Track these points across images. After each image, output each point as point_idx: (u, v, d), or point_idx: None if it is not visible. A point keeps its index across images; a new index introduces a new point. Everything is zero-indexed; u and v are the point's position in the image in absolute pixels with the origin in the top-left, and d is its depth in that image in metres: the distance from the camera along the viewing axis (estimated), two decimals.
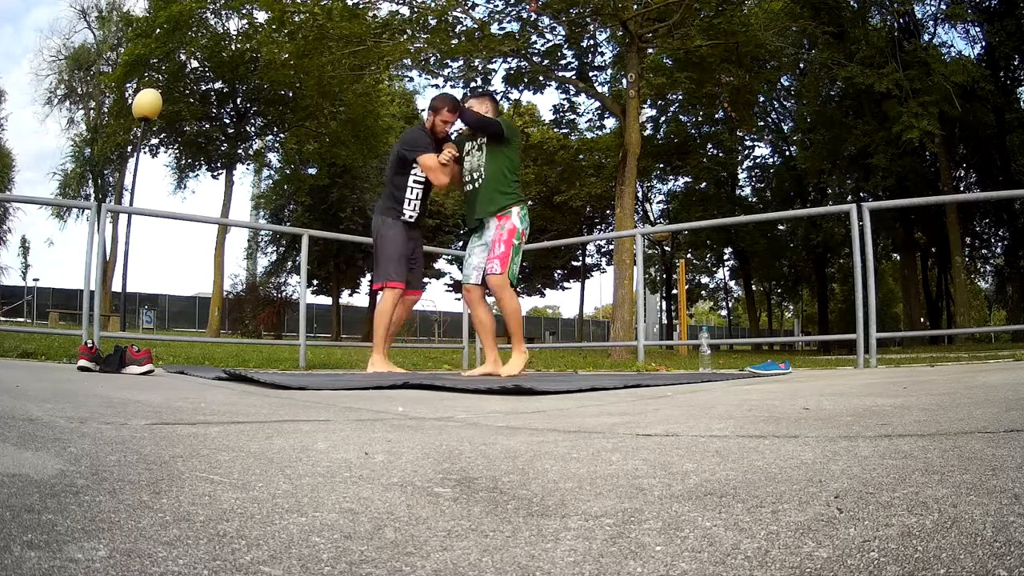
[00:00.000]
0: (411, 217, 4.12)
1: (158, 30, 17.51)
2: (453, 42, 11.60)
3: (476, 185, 4.01)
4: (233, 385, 2.82)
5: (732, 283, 36.12)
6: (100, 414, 1.56)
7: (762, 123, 24.00)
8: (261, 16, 14.96)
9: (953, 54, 17.26)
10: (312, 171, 22.79)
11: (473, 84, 13.48)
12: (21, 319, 24.61)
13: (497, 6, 12.03)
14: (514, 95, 14.05)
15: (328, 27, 11.47)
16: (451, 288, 32.39)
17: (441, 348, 10.34)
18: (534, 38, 12.47)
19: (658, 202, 27.98)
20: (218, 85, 20.48)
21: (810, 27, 15.23)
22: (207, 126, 20.77)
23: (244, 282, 25.42)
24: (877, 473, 0.93)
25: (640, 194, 25.55)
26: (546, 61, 12.90)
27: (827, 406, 1.83)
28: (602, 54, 14.88)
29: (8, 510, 0.71)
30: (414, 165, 4.07)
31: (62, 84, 24.48)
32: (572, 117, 16.36)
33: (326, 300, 29.79)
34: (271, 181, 25.94)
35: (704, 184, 25.15)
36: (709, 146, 23.75)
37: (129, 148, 21.50)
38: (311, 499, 0.83)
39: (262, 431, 1.40)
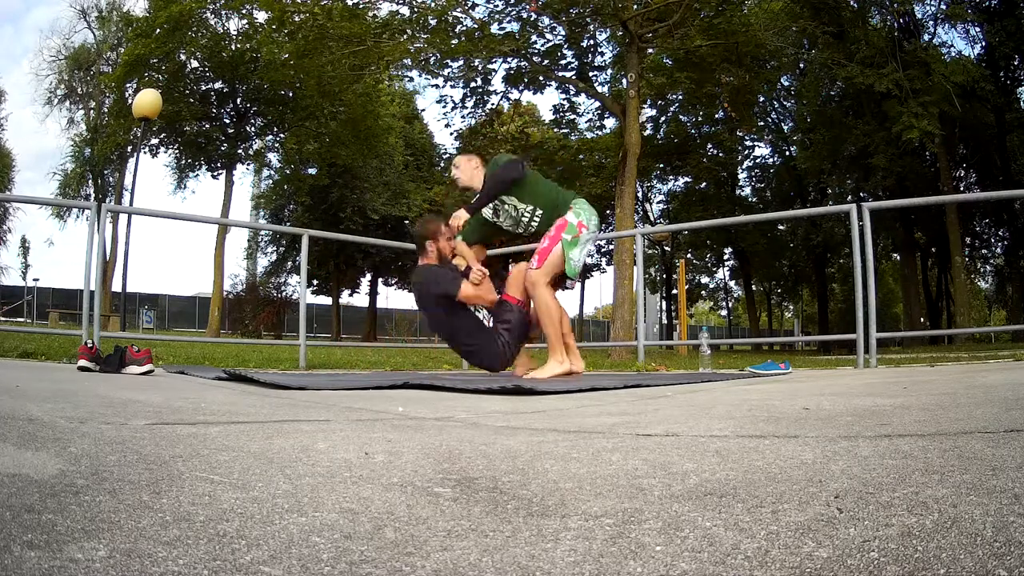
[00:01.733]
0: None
1: (158, 30, 17.51)
2: (453, 42, 11.59)
3: (536, 223, 3.85)
4: (233, 385, 2.82)
5: (732, 283, 36.15)
6: (100, 414, 1.56)
7: (762, 123, 23.98)
8: (261, 16, 14.98)
9: (953, 54, 17.27)
10: (312, 171, 22.78)
11: (473, 84, 13.48)
12: (21, 319, 24.61)
13: (497, 6, 12.04)
14: (514, 95, 14.06)
15: (328, 27, 11.47)
16: None
17: (441, 348, 10.31)
18: (534, 38, 12.47)
19: (658, 202, 28.00)
20: (218, 85, 20.49)
21: (810, 27, 15.22)
22: (207, 126, 20.77)
23: (244, 282, 25.40)
24: (877, 473, 0.93)
25: (640, 194, 25.53)
26: (546, 61, 12.90)
27: (827, 406, 1.83)
28: (602, 54, 14.88)
29: (8, 510, 0.71)
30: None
31: (62, 84, 24.51)
32: (572, 117, 16.32)
33: (326, 300, 29.80)
34: (271, 181, 25.94)
35: (704, 184, 25.14)
36: (709, 146, 23.73)
37: (129, 148, 21.51)
38: (311, 499, 0.83)
39: (262, 431, 1.40)
